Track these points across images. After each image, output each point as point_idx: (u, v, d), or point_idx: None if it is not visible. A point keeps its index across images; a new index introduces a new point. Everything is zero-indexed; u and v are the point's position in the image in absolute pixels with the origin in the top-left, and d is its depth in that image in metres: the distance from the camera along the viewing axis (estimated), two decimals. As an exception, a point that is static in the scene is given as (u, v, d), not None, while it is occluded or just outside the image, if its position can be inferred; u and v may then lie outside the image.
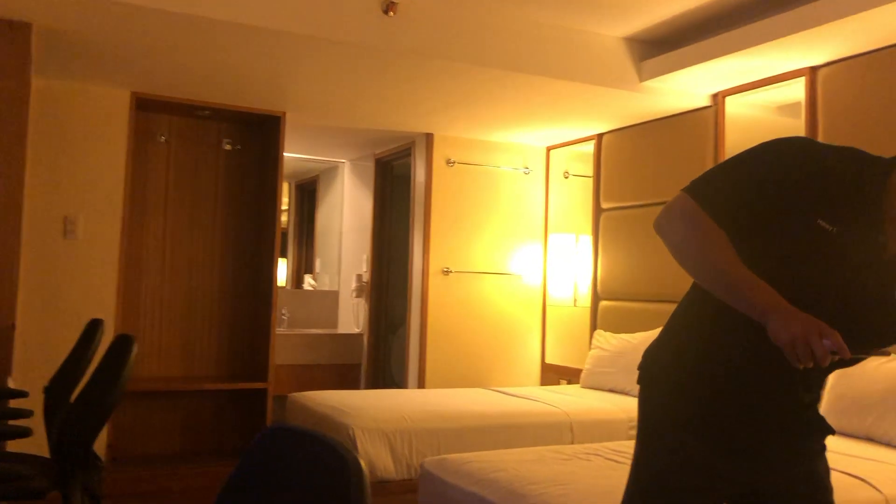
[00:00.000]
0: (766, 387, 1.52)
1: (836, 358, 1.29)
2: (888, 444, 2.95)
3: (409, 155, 5.45)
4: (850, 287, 1.45)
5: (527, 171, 5.50)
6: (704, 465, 1.51)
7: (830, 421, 3.38)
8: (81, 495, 2.22)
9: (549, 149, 5.57)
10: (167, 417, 4.57)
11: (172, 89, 4.28)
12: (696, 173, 4.91)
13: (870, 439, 3.04)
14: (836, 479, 2.58)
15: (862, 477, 2.53)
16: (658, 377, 1.60)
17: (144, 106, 4.43)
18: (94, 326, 2.84)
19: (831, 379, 3.27)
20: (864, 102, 3.43)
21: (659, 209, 4.65)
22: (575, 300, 5.21)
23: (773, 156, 1.47)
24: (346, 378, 5.78)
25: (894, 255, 1.45)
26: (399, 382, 5.51)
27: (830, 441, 3.11)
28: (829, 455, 2.87)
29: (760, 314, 1.34)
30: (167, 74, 4.00)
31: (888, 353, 1.45)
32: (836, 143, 3.58)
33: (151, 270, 4.58)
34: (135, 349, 2.30)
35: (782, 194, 1.41)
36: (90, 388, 2.35)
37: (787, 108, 4.06)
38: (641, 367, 1.65)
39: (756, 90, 3.99)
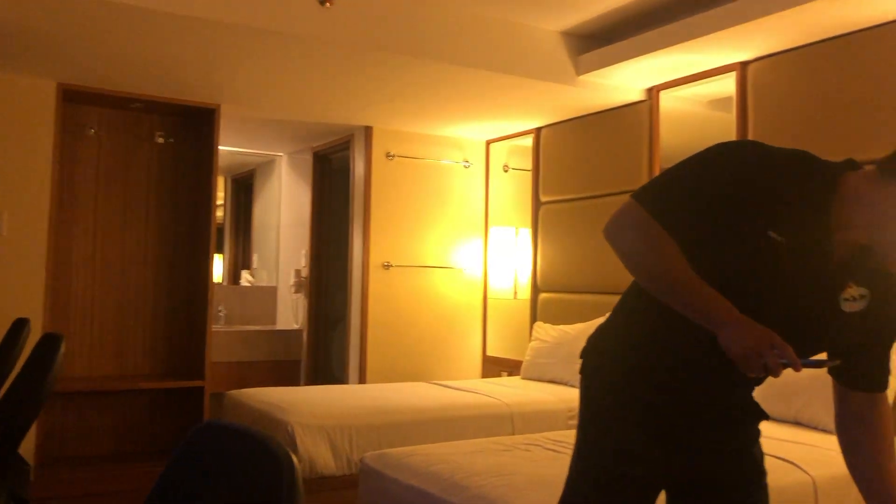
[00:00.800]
0: (707, 383, 1.54)
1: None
2: (815, 428, 3.05)
3: (348, 148, 5.41)
4: (797, 298, 1.44)
5: (467, 164, 5.51)
6: (647, 457, 1.53)
7: (764, 407, 3.47)
8: (6, 499, 2.14)
9: (488, 142, 5.59)
10: (99, 418, 4.44)
11: (102, 80, 4.15)
12: (632, 166, 4.97)
13: (798, 423, 3.14)
14: (766, 462, 2.66)
15: (791, 460, 2.61)
16: (601, 369, 1.61)
17: (72, 98, 4.29)
18: (19, 326, 2.74)
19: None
20: (792, 97, 3.53)
21: (595, 202, 4.74)
22: (515, 293, 5.24)
23: (725, 163, 1.44)
24: (285, 375, 5.71)
25: (839, 264, 1.43)
26: (340, 378, 5.47)
27: (764, 427, 3.20)
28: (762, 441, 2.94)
29: (713, 325, 1.35)
30: (96, 65, 3.88)
31: (839, 364, 1.48)
32: (765, 136, 3.67)
33: (81, 267, 4.44)
34: (62, 348, 2.22)
35: (734, 205, 1.40)
36: (15, 389, 2.27)
37: (719, 103, 4.15)
38: (585, 356, 1.65)
39: (689, 85, 4.07)
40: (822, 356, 1.50)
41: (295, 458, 0.82)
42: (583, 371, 1.65)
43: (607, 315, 1.72)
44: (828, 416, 3.00)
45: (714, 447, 1.58)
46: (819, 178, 1.42)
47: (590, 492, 1.57)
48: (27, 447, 3.76)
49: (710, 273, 1.39)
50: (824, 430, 2.99)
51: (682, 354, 1.52)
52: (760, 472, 1.64)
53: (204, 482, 0.98)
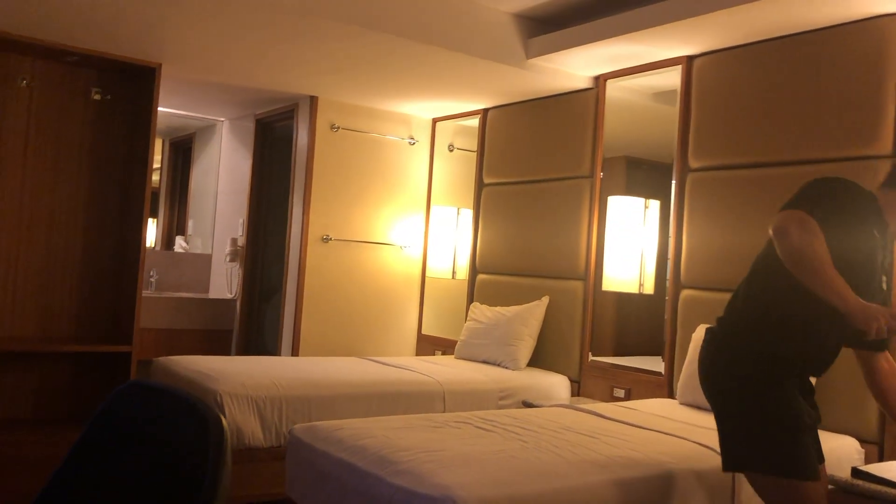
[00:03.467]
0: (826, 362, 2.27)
1: None
2: (737, 417, 3.14)
3: (292, 117, 5.32)
4: (879, 278, 2.18)
5: (412, 141, 5.48)
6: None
7: (688, 395, 3.56)
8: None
9: (435, 121, 5.57)
10: (19, 380, 4.28)
11: (36, 29, 3.97)
12: (576, 153, 5.02)
13: (721, 412, 3.23)
14: (687, 448, 2.73)
15: (712, 446, 2.67)
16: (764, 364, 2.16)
17: (3, 45, 4.09)
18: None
19: (691, 354, 3.45)
20: (735, 94, 3.61)
21: (538, 187, 4.80)
22: (454, 273, 5.25)
23: (845, 190, 2.15)
24: (216, 344, 5.62)
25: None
26: (272, 351, 5.41)
27: (689, 415, 3.28)
28: (686, 428, 3.02)
29: (845, 303, 1.92)
30: (30, 12, 3.70)
31: None
32: (706, 129, 3.73)
33: (6, 224, 4.26)
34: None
35: (853, 216, 2.10)
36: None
37: (663, 95, 4.22)
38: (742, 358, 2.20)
39: (636, 75, 4.12)
40: None
41: (224, 420, 0.80)
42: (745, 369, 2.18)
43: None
44: (749, 405, 3.10)
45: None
46: (872, 199, 2.18)
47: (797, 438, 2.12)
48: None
49: (838, 258, 1.98)
50: (745, 419, 3.08)
51: (824, 342, 2.19)
52: None
53: (128, 441, 0.95)
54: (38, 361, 4.33)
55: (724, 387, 2.24)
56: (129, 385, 1.00)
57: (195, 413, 0.82)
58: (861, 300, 1.94)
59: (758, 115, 3.49)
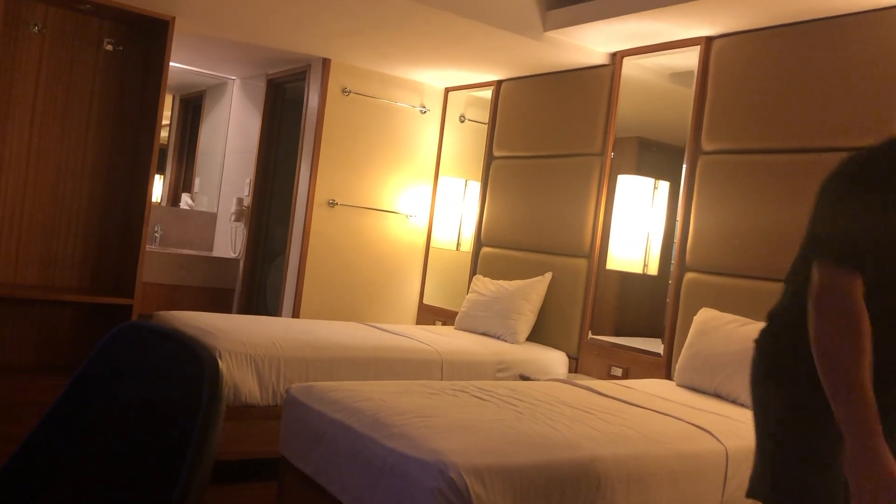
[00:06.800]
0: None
1: None
2: (734, 402, 3.14)
3: (304, 79, 5.28)
4: None
5: (424, 110, 5.44)
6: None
7: (686, 377, 3.55)
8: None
9: (447, 90, 5.52)
10: (21, 327, 4.30)
11: (50, -25, 3.94)
12: (588, 130, 4.96)
13: (717, 395, 3.23)
14: (682, 429, 2.73)
15: (707, 429, 2.68)
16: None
17: (17, -10, 4.07)
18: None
19: (691, 337, 3.44)
20: (752, 77, 3.56)
21: (548, 162, 4.75)
22: (458, 244, 5.24)
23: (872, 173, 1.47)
24: (217, 302, 5.63)
25: None
26: (273, 312, 5.42)
27: (685, 397, 3.26)
28: (681, 409, 3.02)
29: (852, 442, 1.37)
30: (45, -43, 3.67)
31: None
32: (721, 113, 3.68)
33: (13, 171, 4.26)
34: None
35: None
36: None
37: (679, 76, 4.17)
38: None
39: (653, 54, 4.07)
40: None
41: (220, 362, 0.79)
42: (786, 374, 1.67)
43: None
44: (746, 391, 3.10)
45: None
46: None
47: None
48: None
49: None
50: (742, 405, 3.09)
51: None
52: None
53: (123, 380, 0.94)
54: (39, 309, 4.34)
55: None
56: (127, 326, 0.99)
57: (191, 353, 0.81)
58: (879, 452, 1.35)
59: (774, 101, 3.45)
